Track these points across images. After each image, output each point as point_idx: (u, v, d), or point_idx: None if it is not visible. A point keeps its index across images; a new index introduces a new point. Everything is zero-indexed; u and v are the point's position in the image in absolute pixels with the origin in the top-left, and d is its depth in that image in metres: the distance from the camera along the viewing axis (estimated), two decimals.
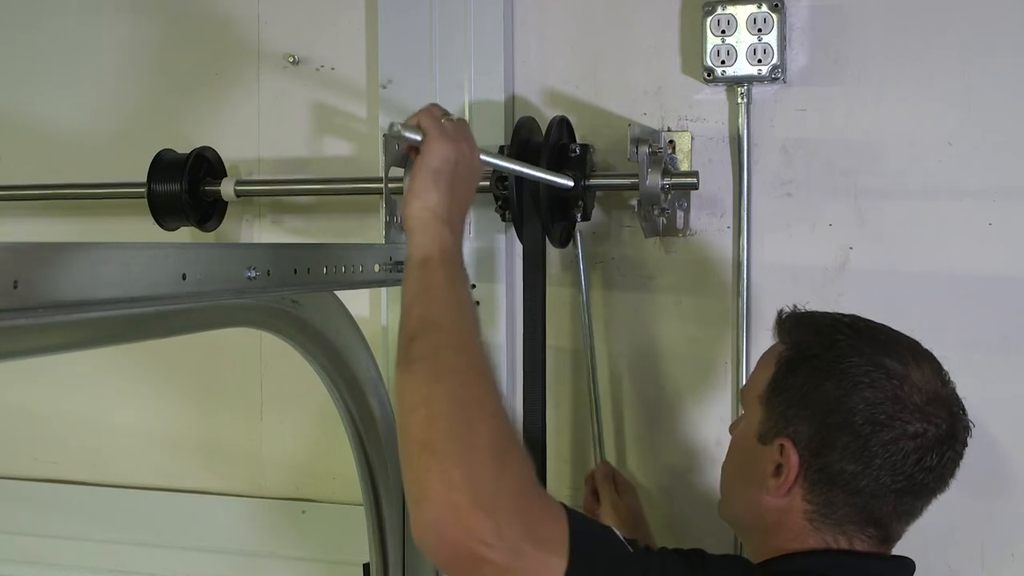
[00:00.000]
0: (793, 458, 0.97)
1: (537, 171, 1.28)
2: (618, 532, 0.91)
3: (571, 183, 1.34)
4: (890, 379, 0.96)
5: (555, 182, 1.32)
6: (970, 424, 1.00)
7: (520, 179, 1.33)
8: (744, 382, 1.27)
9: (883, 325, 1.04)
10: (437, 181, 0.98)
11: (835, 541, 0.98)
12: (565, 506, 0.87)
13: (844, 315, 1.05)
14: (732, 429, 1.12)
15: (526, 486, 0.84)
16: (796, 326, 1.05)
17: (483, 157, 1.08)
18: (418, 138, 1.01)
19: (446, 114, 1.04)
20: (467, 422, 0.84)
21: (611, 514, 1.36)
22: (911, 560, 1.02)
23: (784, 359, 1.03)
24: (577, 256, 1.43)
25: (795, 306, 1.08)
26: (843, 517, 0.97)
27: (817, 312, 1.07)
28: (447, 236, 0.97)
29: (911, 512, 1.00)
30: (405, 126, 1.03)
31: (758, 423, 1.02)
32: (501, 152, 1.41)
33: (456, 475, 0.80)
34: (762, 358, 1.09)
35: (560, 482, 1.52)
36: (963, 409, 0.99)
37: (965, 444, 0.99)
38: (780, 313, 1.08)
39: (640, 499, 1.41)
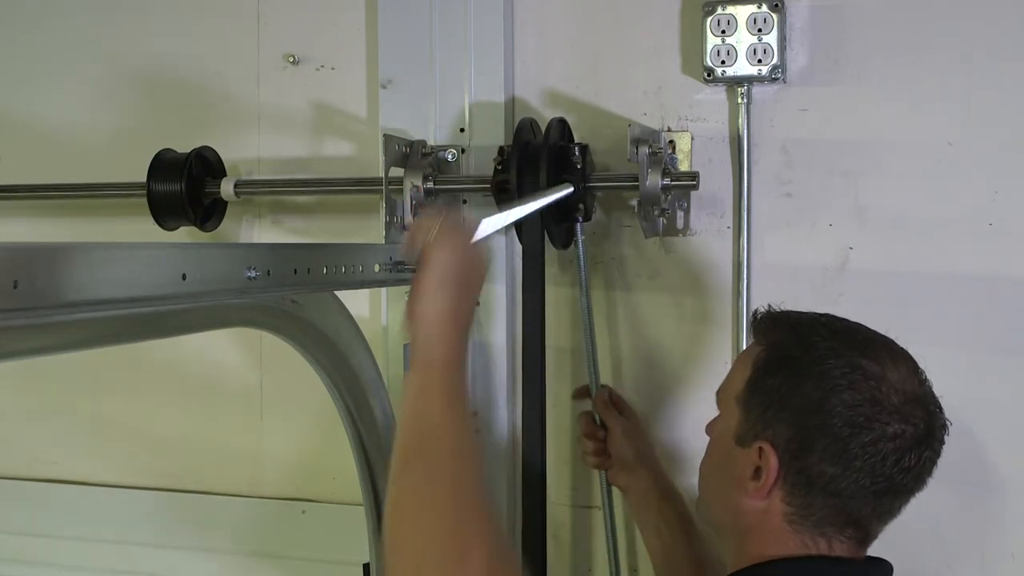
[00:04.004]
0: (772, 461, 0.97)
1: (539, 201, 1.24)
2: None
3: (571, 189, 1.31)
4: (867, 380, 0.96)
5: (559, 197, 1.28)
6: (947, 423, 1.00)
7: (521, 180, 1.33)
8: None
9: (858, 324, 1.03)
10: (443, 286, 0.98)
11: (814, 543, 0.98)
12: None
13: (820, 315, 1.04)
14: (709, 429, 1.11)
15: None
16: (772, 327, 1.05)
17: (485, 222, 1.06)
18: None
19: (436, 215, 1.03)
20: (461, 550, 0.84)
21: (624, 441, 1.38)
22: (888, 562, 1.02)
23: (761, 360, 1.02)
24: (578, 256, 1.42)
25: (770, 306, 1.08)
26: (822, 519, 0.97)
27: (793, 312, 1.06)
28: (453, 339, 0.97)
29: (889, 512, 1.00)
30: (404, 255, 1.02)
31: (736, 425, 1.02)
32: (501, 153, 1.41)
33: None
34: (738, 359, 1.09)
35: (560, 482, 1.53)
36: (940, 408, 0.99)
37: (942, 443, 0.99)
38: (755, 313, 1.08)
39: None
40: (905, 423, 0.95)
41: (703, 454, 1.11)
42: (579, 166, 1.37)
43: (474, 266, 1.03)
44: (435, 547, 0.84)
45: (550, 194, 1.25)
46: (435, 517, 0.86)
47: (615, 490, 1.44)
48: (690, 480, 1.45)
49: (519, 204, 1.19)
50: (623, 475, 1.39)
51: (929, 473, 0.99)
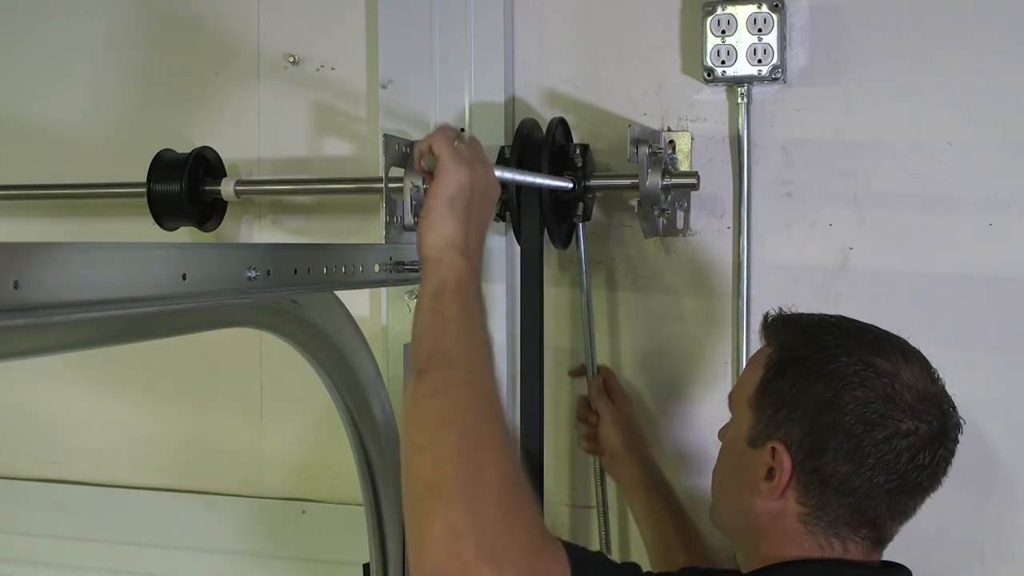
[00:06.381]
0: (786, 461, 0.97)
1: (540, 178, 1.31)
2: (609, 557, 0.92)
3: (570, 185, 1.34)
4: (880, 378, 0.95)
5: (557, 186, 1.34)
6: (961, 421, 0.99)
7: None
8: None
9: (870, 324, 1.03)
10: (452, 209, 0.97)
11: (828, 544, 0.97)
12: (563, 543, 0.87)
13: (831, 315, 1.04)
14: (721, 434, 1.11)
15: (533, 533, 0.83)
16: (783, 328, 1.05)
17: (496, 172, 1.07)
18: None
19: (459, 135, 1.02)
20: (476, 466, 0.82)
21: (613, 431, 1.39)
22: (905, 567, 1.02)
23: (772, 361, 1.02)
24: (579, 257, 1.43)
25: (780, 308, 1.07)
26: (837, 519, 0.97)
27: (803, 313, 1.06)
28: (463, 266, 0.95)
29: (905, 511, 0.99)
30: (421, 154, 1.02)
31: (748, 427, 1.02)
32: (502, 153, 1.42)
33: (462, 522, 0.78)
34: (749, 361, 1.09)
35: (559, 482, 1.53)
36: (953, 406, 0.99)
37: (956, 441, 0.99)
38: (766, 316, 1.08)
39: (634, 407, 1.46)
40: (918, 420, 0.95)
41: (707, 454, 1.11)
42: (579, 165, 1.37)
43: (486, 189, 1.01)
44: (450, 466, 0.82)
45: (550, 179, 1.30)
46: (450, 436, 0.84)
47: (609, 488, 1.46)
48: (693, 480, 1.45)
49: (519, 171, 1.26)
50: (614, 464, 1.40)
51: (944, 472, 0.99)
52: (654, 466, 1.40)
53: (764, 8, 1.37)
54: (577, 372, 1.48)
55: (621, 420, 1.41)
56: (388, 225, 1.40)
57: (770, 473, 0.98)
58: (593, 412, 1.43)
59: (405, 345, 1.42)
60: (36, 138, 1.77)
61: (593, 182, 1.39)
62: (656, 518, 1.35)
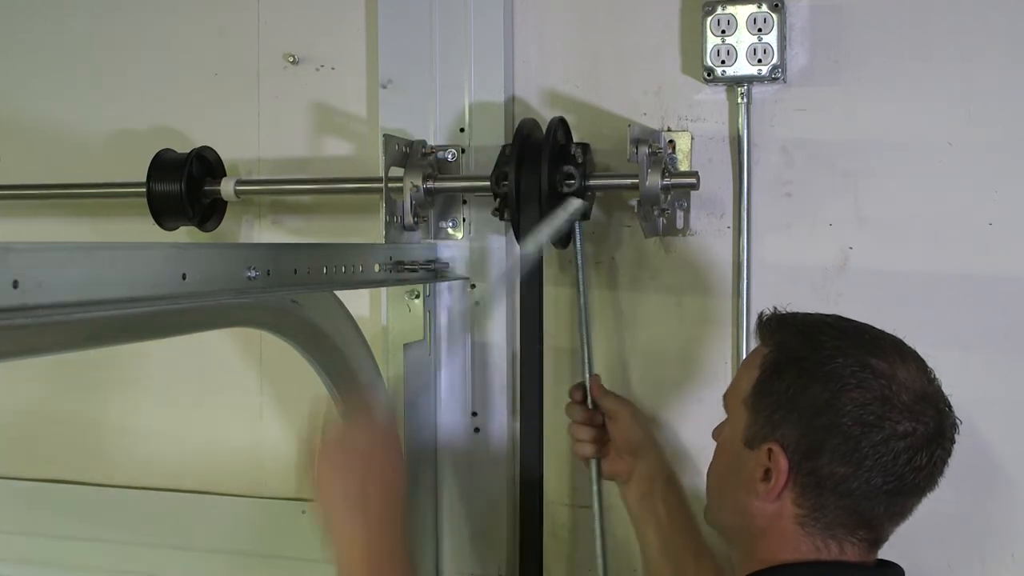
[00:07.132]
0: (782, 462, 0.96)
1: (555, 220, 1.30)
2: None
3: (580, 203, 1.32)
4: (877, 379, 0.95)
5: (572, 214, 1.32)
6: (957, 421, 0.99)
7: (519, 180, 1.33)
8: None
9: (866, 324, 1.03)
10: (340, 518, 1.08)
11: (825, 546, 0.97)
12: None
13: (827, 315, 1.04)
14: (716, 434, 1.10)
15: None
16: (779, 328, 1.04)
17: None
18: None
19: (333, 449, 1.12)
20: None
21: (631, 423, 1.32)
22: (899, 566, 1.01)
23: (769, 362, 1.01)
24: (578, 256, 1.42)
25: (775, 308, 1.07)
26: (834, 520, 0.97)
27: (799, 313, 1.06)
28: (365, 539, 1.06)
29: (902, 512, 0.99)
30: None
31: (744, 427, 1.01)
32: (502, 153, 1.41)
33: None
34: (744, 361, 1.08)
35: (559, 482, 1.53)
36: (949, 406, 0.99)
37: (953, 441, 0.99)
38: (761, 315, 1.07)
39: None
40: (915, 421, 0.95)
41: (705, 453, 1.10)
42: (579, 164, 1.37)
43: (372, 476, 1.10)
44: None
45: (560, 215, 1.29)
46: None
47: (606, 489, 1.42)
48: (693, 480, 1.45)
49: (537, 229, 1.28)
50: (626, 460, 1.32)
51: (940, 472, 0.98)
52: (668, 457, 1.37)
53: (764, 8, 1.37)
54: (578, 389, 1.38)
55: (636, 412, 1.36)
56: (388, 225, 1.41)
57: (766, 474, 0.98)
58: (597, 412, 1.35)
59: (405, 345, 1.42)
60: (36, 138, 1.77)
61: (593, 182, 1.39)
62: (668, 514, 1.30)
